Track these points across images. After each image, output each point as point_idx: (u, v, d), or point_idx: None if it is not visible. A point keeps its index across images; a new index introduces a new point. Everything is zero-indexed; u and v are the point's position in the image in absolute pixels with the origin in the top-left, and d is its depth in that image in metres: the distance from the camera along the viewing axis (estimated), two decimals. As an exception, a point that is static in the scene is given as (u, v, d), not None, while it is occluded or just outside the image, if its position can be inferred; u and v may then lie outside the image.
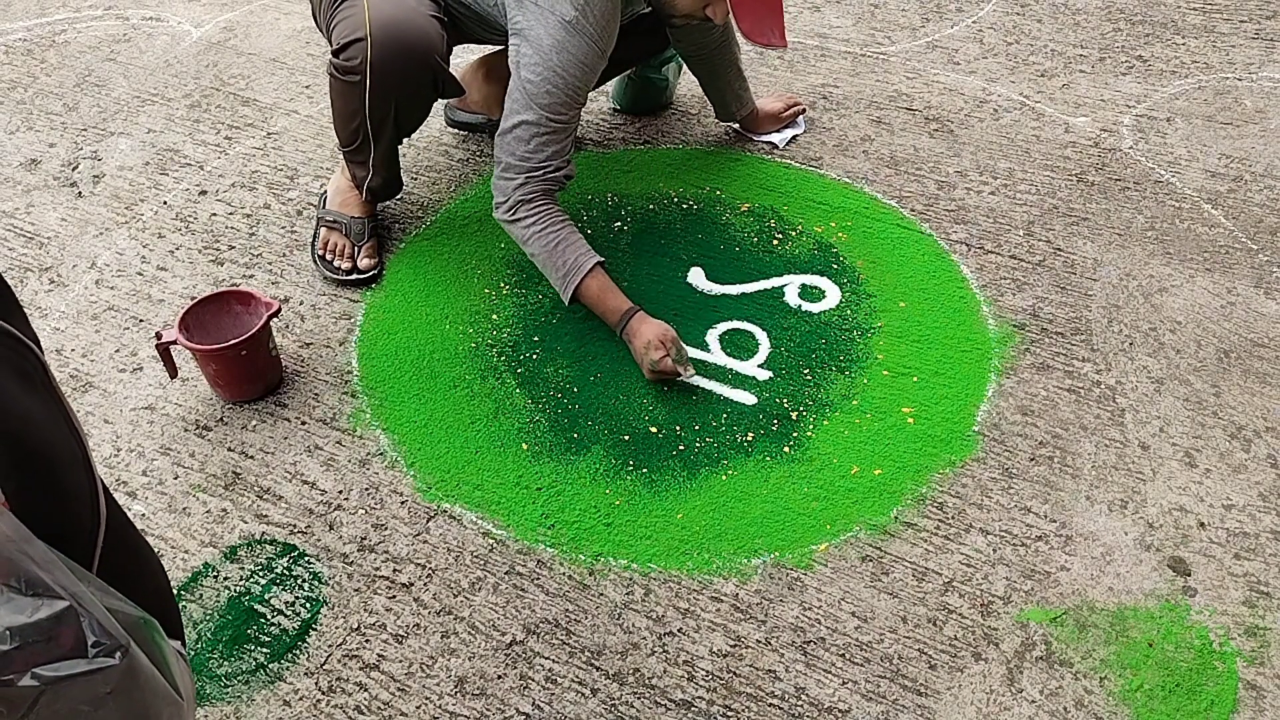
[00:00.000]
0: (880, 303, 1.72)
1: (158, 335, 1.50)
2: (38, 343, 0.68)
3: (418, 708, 1.18)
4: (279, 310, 1.53)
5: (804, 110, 2.18)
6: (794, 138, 2.13)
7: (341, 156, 1.81)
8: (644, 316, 1.58)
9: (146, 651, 0.64)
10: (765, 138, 2.13)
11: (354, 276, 1.80)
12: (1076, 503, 1.39)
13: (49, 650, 0.58)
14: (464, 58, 2.22)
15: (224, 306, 1.58)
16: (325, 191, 1.89)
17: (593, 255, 1.62)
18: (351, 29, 1.59)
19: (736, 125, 2.16)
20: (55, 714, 0.59)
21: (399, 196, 1.97)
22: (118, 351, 1.68)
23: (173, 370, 1.54)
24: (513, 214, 1.62)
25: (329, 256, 1.82)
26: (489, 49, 2.12)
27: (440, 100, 1.85)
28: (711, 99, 2.10)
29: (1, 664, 0.56)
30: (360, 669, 1.22)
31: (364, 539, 1.37)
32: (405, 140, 1.84)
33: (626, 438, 1.50)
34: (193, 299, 1.60)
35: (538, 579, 1.32)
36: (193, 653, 1.25)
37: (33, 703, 0.57)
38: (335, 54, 1.62)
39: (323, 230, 1.84)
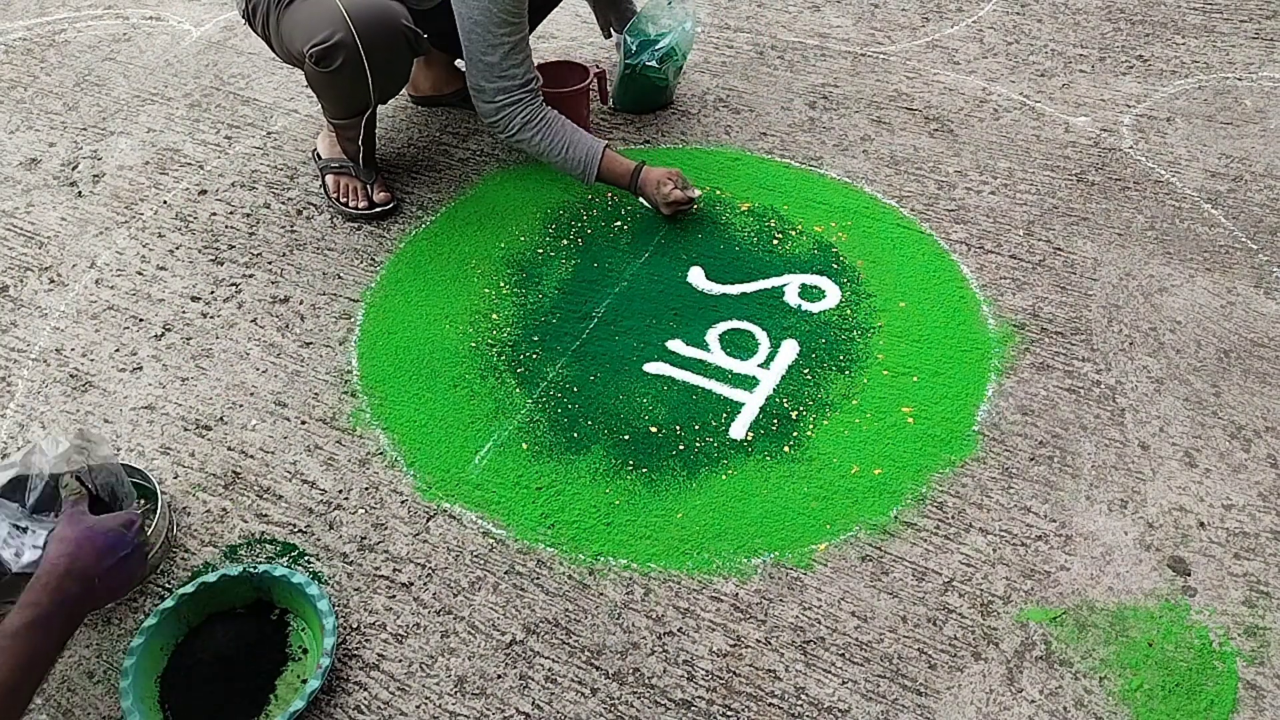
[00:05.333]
0: (880, 302, 1.72)
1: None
2: None
3: (418, 707, 1.18)
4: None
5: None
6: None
7: (333, 129, 1.89)
8: (649, 167, 1.84)
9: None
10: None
11: (374, 210, 1.93)
12: (1076, 503, 1.39)
13: None
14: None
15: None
16: (316, 150, 2.01)
17: (599, 141, 1.85)
18: (328, 25, 1.63)
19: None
20: None
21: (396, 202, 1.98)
22: (117, 351, 1.68)
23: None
24: (519, 130, 1.81)
25: (343, 198, 1.94)
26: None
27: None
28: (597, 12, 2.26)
29: None
30: (360, 669, 1.22)
31: (364, 538, 1.37)
32: (406, 142, 1.98)
33: (626, 438, 1.50)
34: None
35: (538, 579, 1.32)
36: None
37: None
38: (315, 53, 1.65)
39: (329, 177, 1.96)
